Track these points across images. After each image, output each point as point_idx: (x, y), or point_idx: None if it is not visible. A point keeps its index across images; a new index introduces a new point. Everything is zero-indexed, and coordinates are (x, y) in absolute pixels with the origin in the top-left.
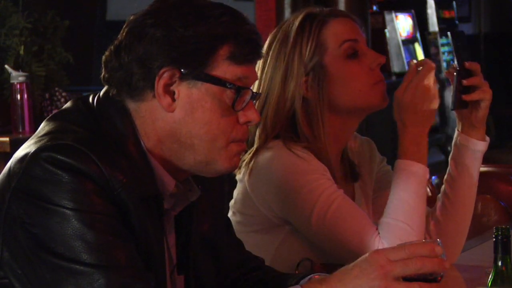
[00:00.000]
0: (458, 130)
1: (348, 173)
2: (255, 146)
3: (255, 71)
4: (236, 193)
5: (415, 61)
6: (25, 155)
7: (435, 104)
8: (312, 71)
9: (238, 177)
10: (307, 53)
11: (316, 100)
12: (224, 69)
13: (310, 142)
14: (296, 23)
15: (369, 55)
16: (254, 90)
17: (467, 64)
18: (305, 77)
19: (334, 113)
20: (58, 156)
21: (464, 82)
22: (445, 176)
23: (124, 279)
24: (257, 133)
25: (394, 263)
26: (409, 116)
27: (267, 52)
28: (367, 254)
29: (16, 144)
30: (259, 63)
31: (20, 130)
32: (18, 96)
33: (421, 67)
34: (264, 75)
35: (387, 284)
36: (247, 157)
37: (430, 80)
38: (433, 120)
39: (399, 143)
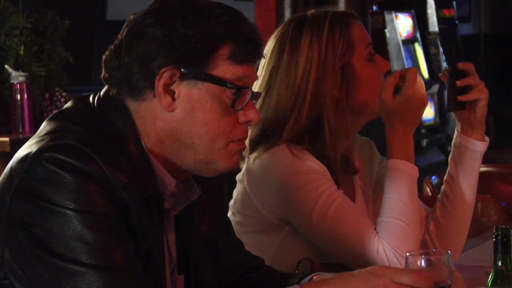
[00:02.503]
0: (457, 131)
1: (349, 167)
2: (257, 146)
3: (255, 70)
4: (235, 193)
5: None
6: (27, 155)
7: (423, 110)
8: (341, 69)
9: (238, 177)
10: (339, 50)
11: (344, 100)
12: (225, 69)
13: (324, 138)
14: (326, 21)
15: (380, 61)
16: (259, 87)
17: (460, 65)
18: (334, 74)
19: (351, 113)
20: (60, 156)
21: (458, 83)
22: (445, 177)
23: (122, 281)
24: (290, 126)
25: (399, 286)
26: (399, 120)
27: (274, 49)
28: (372, 268)
29: (16, 144)
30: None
31: (20, 130)
32: (18, 96)
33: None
34: (278, 70)
35: None
36: (247, 156)
37: (419, 86)
38: (419, 122)
39: (388, 143)
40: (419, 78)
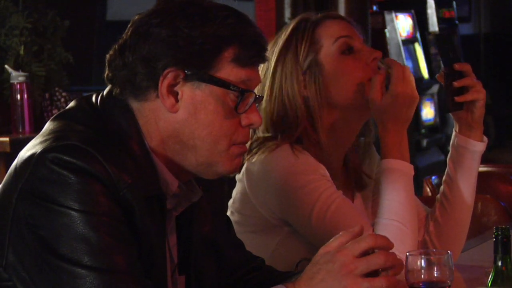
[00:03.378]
0: (455, 131)
1: (352, 182)
2: (255, 146)
3: (258, 74)
4: (235, 192)
5: (380, 64)
6: (31, 156)
7: (414, 107)
8: (308, 69)
9: (238, 176)
10: (302, 51)
11: (314, 98)
12: (228, 71)
13: (310, 140)
14: (290, 25)
15: (364, 50)
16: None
17: (456, 66)
18: (303, 76)
19: (333, 110)
20: (64, 157)
21: (455, 84)
22: (444, 177)
23: (123, 285)
24: (259, 133)
25: (358, 261)
26: (390, 118)
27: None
28: (331, 255)
29: (16, 144)
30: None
31: (20, 130)
32: (18, 96)
33: (389, 68)
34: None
35: (353, 282)
36: (246, 157)
37: (407, 83)
38: (411, 119)
39: (381, 143)
40: (407, 75)
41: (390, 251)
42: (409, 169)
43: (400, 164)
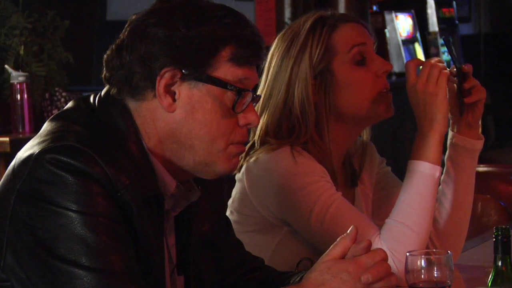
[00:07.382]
0: (452, 131)
1: (349, 178)
2: (257, 147)
3: (256, 73)
4: (234, 192)
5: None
6: (29, 157)
7: (432, 104)
8: (319, 75)
9: (238, 176)
10: (316, 56)
11: (322, 105)
12: (226, 70)
13: (315, 145)
14: (307, 25)
15: (376, 62)
16: (258, 91)
17: (465, 67)
18: (313, 81)
19: (339, 119)
20: (62, 158)
21: (466, 86)
22: (442, 177)
23: (120, 286)
24: (258, 133)
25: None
26: (418, 114)
27: (273, 53)
28: (346, 265)
29: (16, 144)
30: (265, 64)
31: (20, 130)
32: (18, 96)
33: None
34: (269, 75)
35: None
36: (247, 157)
37: (422, 79)
38: (441, 119)
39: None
40: (431, 72)
41: (389, 252)
42: (432, 170)
43: (418, 165)
